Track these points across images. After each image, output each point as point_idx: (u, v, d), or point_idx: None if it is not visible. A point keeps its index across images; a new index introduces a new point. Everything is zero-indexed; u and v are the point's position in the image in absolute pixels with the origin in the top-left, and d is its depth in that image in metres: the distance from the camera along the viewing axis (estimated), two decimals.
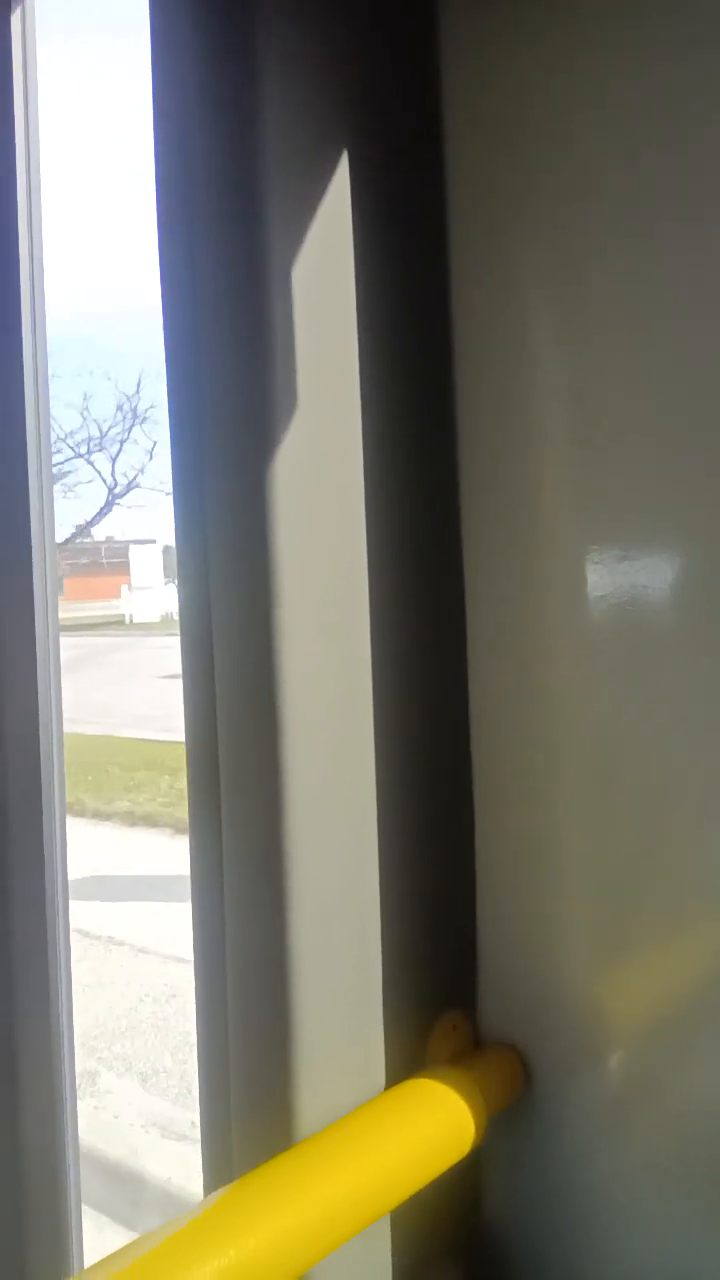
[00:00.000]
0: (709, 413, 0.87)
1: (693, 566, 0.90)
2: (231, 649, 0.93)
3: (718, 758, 0.89)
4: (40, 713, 1.34)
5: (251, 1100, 0.92)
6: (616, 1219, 0.96)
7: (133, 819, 7.61)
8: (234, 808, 0.93)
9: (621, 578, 0.93)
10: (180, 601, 0.98)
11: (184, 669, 0.97)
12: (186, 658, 0.97)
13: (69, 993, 1.40)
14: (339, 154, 0.93)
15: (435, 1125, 0.91)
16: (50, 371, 1.38)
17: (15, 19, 1.10)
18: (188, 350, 0.94)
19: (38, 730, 1.33)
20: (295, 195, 0.90)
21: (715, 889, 0.90)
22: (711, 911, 0.91)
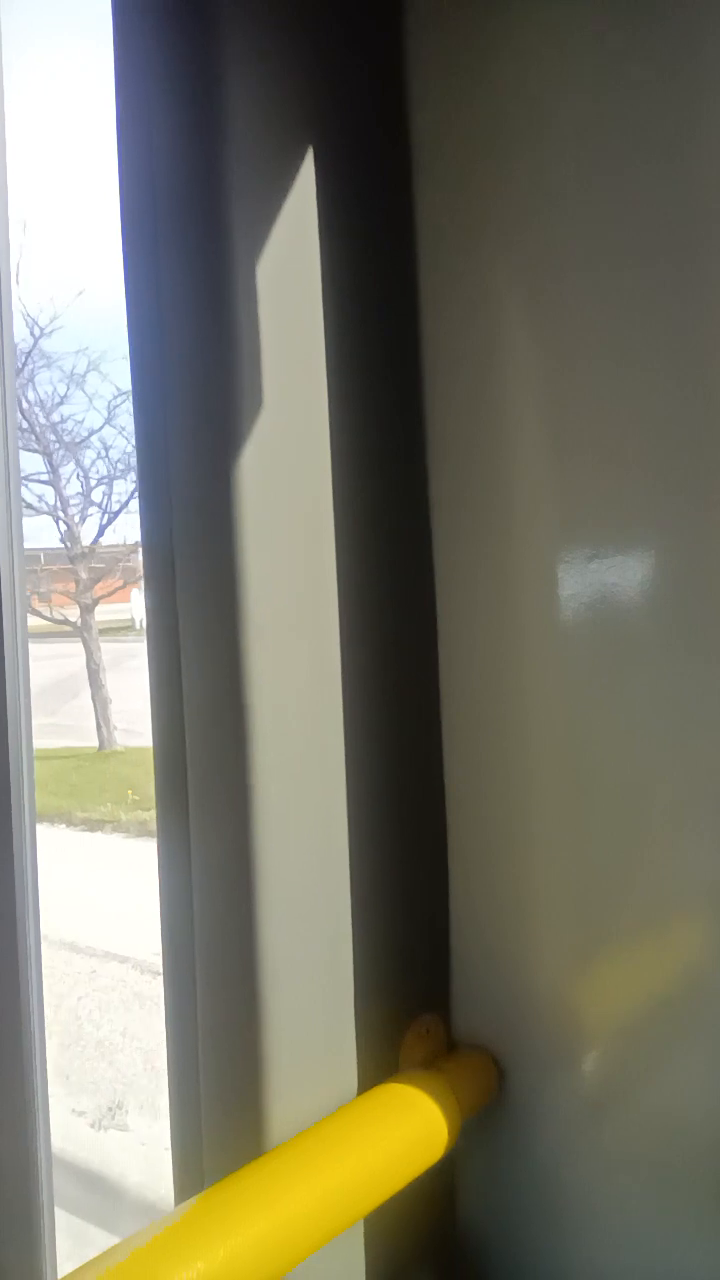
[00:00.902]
0: (679, 413, 0.88)
1: (663, 565, 0.90)
2: (198, 653, 0.92)
3: (690, 759, 0.89)
4: (9, 723, 1.33)
5: (223, 1106, 0.91)
6: (591, 1220, 0.96)
7: None
8: (202, 813, 0.92)
9: (592, 577, 0.93)
10: (146, 605, 0.97)
11: (150, 673, 0.96)
12: (153, 662, 0.96)
13: (40, 998, 1.39)
14: (304, 152, 0.92)
15: (409, 1129, 0.91)
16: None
17: None
18: (153, 350, 0.93)
19: (5, 739, 1.32)
20: (260, 193, 0.89)
21: (688, 891, 0.90)
22: (684, 913, 0.91)
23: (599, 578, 0.93)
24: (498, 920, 1.01)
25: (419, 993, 1.02)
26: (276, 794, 0.90)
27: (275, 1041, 0.89)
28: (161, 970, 0.96)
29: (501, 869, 1.01)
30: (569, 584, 0.95)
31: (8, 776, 1.32)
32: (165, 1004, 0.96)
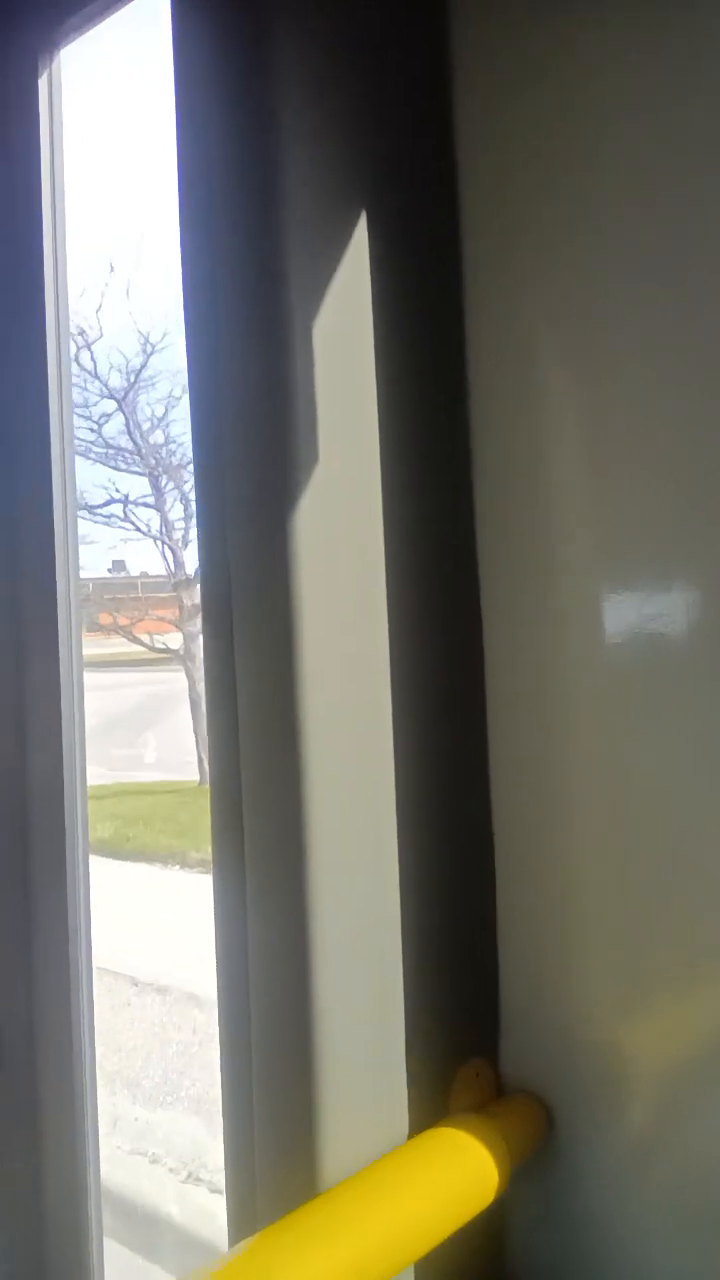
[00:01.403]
0: None
1: (710, 609, 0.90)
2: (254, 690, 0.93)
3: None
4: (64, 752, 1.35)
5: (276, 1149, 0.92)
6: (640, 1268, 0.95)
7: None
8: (257, 852, 0.94)
9: (639, 616, 0.93)
10: (205, 642, 0.99)
11: (208, 709, 0.98)
12: (210, 699, 0.98)
13: (91, 1028, 1.41)
14: (358, 206, 0.94)
15: (459, 1174, 0.91)
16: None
17: (42, 82, 1.13)
18: (211, 399, 0.96)
19: (62, 771, 1.34)
20: (316, 247, 0.91)
21: None
22: None
23: (644, 612, 0.93)
24: (547, 965, 1.01)
25: (468, 1037, 1.02)
26: (329, 835, 0.91)
27: (327, 1085, 0.89)
28: (217, 1013, 0.98)
29: (550, 913, 1.01)
30: (615, 620, 0.95)
31: (63, 809, 1.34)
32: (220, 1047, 0.97)
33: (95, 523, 8.10)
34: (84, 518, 7.95)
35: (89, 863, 1.44)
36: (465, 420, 1.03)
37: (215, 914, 0.97)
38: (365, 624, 0.95)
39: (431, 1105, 0.97)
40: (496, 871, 1.04)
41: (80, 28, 1.12)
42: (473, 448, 1.03)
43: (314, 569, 0.90)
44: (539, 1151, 0.99)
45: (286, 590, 0.90)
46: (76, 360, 7.74)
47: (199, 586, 1.01)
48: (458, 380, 1.03)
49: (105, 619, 9.16)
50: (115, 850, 6.80)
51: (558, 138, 0.96)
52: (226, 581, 0.95)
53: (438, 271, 1.02)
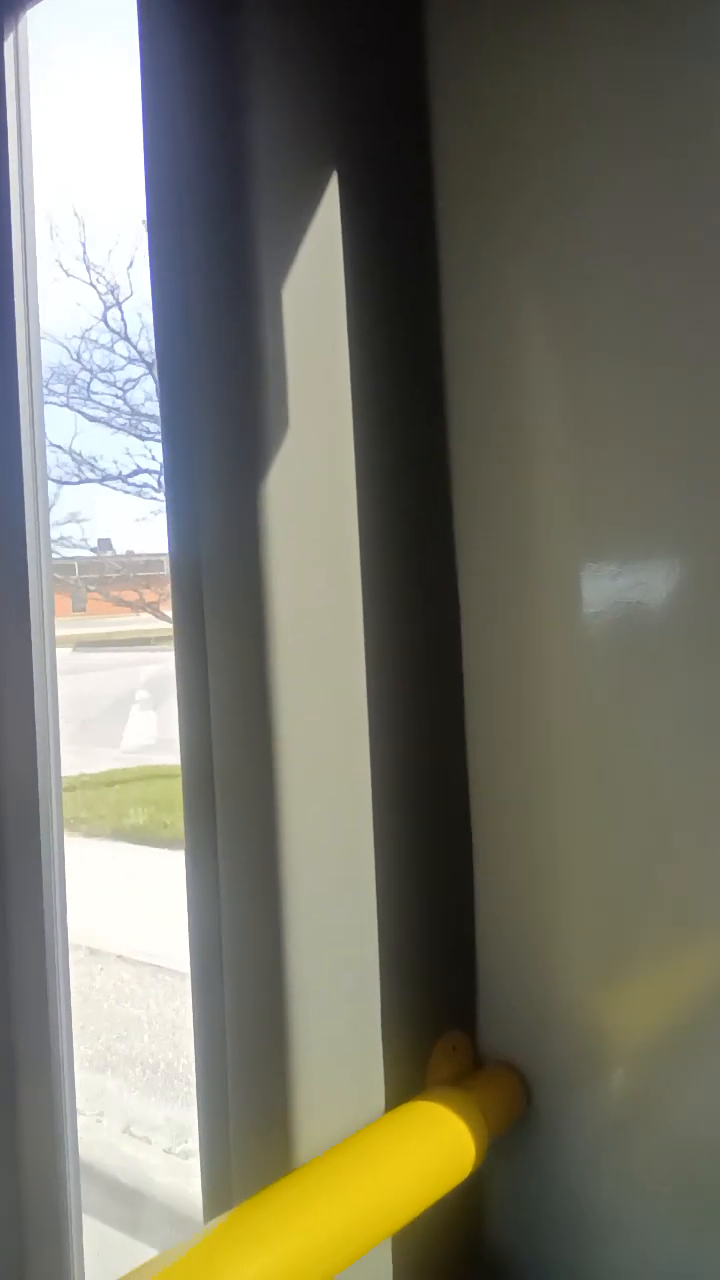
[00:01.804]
0: (703, 425, 0.87)
1: (689, 580, 0.90)
2: (225, 668, 0.93)
3: (717, 774, 0.89)
4: (37, 732, 1.34)
5: (251, 1124, 0.92)
6: (619, 1239, 0.96)
7: None
8: (229, 829, 0.93)
9: (617, 590, 0.93)
10: (174, 621, 0.98)
11: (179, 688, 0.97)
12: (181, 679, 0.97)
13: (68, 1006, 1.40)
14: (329, 170, 0.93)
15: (436, 1147, 0.91)
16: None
17: (8, 45, 1.11)
18: (180, 368, 0.94)
19: (35, 749, 1.33)
20: (286, 212, 0.90)
21: (715, 906, 0.90)
22: (711, 928, 0.91)
23: (624, 590, 0.93)
24: (524, 937, 1.01)
25: (445, 1011, 1.02)
26: (302, 811, 0.90)
27: (303, 1059, 0.89)
28: (191, 990, 0.97)
29: (528, 886, 1.01)
30: (594, 597, 0.95)
31: (36, 790, 1.33)
32: (194, 1023, 0.97)
33: (128, 493, 7.97)
34: (116, 488, 7.77)
35: (64, 841, 1.43)
36: (441, 388, 1.02)
37: (188, 890, 0.97)
38: (338, 598, 0.94)
39: (408, 1078, 0.97)
40: (473, 844, 1.04)
41: None
42: (449, 417, 1.02)
43: (285, 542, 0.89)
44: (517, 1124, 0.99)
45: (257, 563, 0.89)
46: (105, 320, 7.56)
47: (170, 563, 0.99)
48: (433, 348, 1.02)
49: (131, 595, 9.10)
50: (153, 837, 6.72)
51: (535, 102, 0.95)
52: (196, 555, 0.94)
53: (412, 236, 1.01)
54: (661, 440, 0.90)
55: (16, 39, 1.11)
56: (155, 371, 0.98)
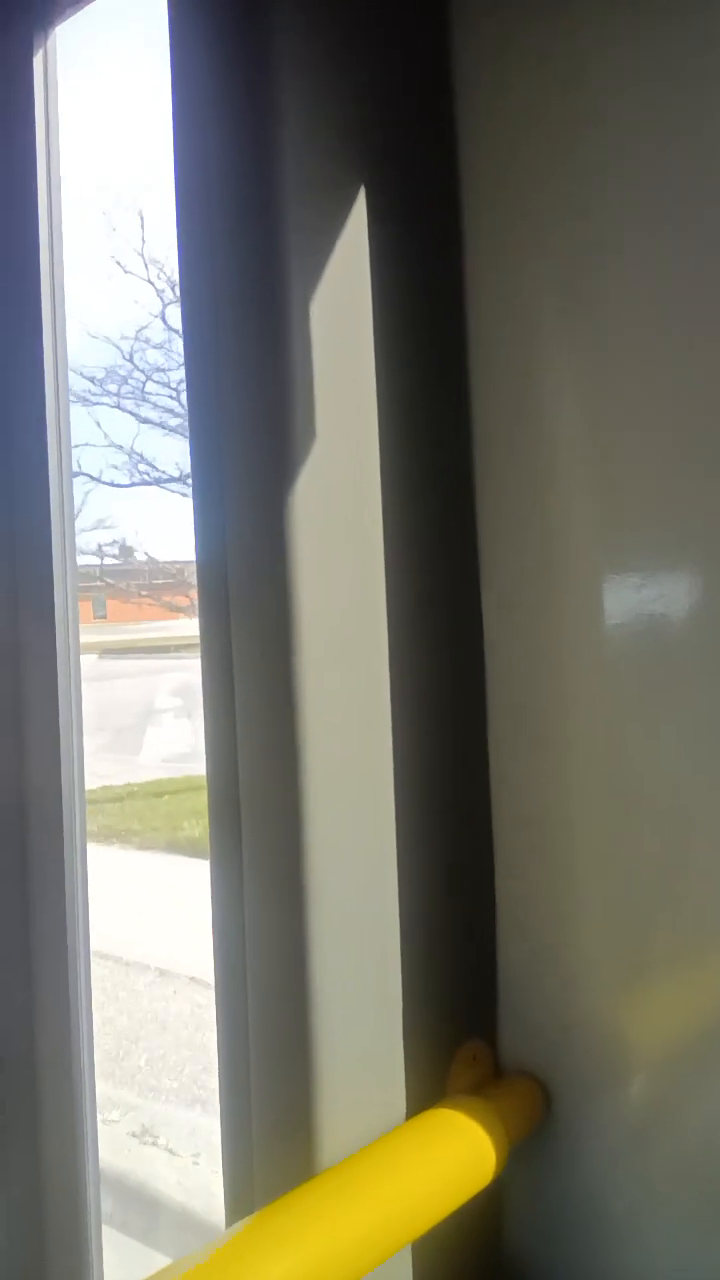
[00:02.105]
0: None
1: (712, 592, 0.90)
2: (251, 678, 0.93)
3: None
4: (61, 740, 1.35)
5: (273, 1129, 0.92)
6: (638, 1247, 0.95)
7: None
8: (254, 836, 0.93)
9: (639, 601, 0.93)
10: (201, 626, 0.99)
11: (204, 694, 0.98)
12: (207, 685, 0.97)
13: (89, 1013, 1.41)
14: (356, 179, 0.94)
15: (456, 1155, 0.91)
16: None
17: (38, 61, 1.13)
18: (209, 378, 0.95)
19: (59, 758, 1.34)
20: (313, 221, 0.91)
21: None
22: None
23: (646, 602, 0.93)
24: (545, 946, 1.01)
25: (466, 1019, 1.02)
26: (326, 819, 0.90)
27: (325, 1066, 0.89)
28: (215, 997, 0.97)
29: (548, 895, 1.01)
30: (616, 609, 0.95)
31: (60, 797, 1.34)
32: (217, 1029, 0.97)
33: (184, 496, 7.96)
34: (177, 492, 7.73)
35: (86, 851, 1.44)
36: (465, 398, 1.03)
37: (212, 896, 0.97)
38: (363, 606, 0.95)
39: (429, 1086, 0.97)
40: (495, 852, 1.04)
41: (75, 3, 1.12)
42: (473, 426, 1.03)
43: (311, 550, 0.90)
44: (537, 1132, 0.99)
45: (283, 570, 0.89)
46: (163, 318, 7.50)
47: (196, 571, 1.00)
48: (458, 357, 1.03)
49: (184, 600, 9.10)
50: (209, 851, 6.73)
51: (558, 113, 0.96)
52: (223, 563, 0.95)
53: (438, 246, 1.02)
54: (685, 451, 0.90)
55: (46, 55, 1.13)
56: (186, 382, 0.99)
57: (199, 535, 0.98)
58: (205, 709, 0.98)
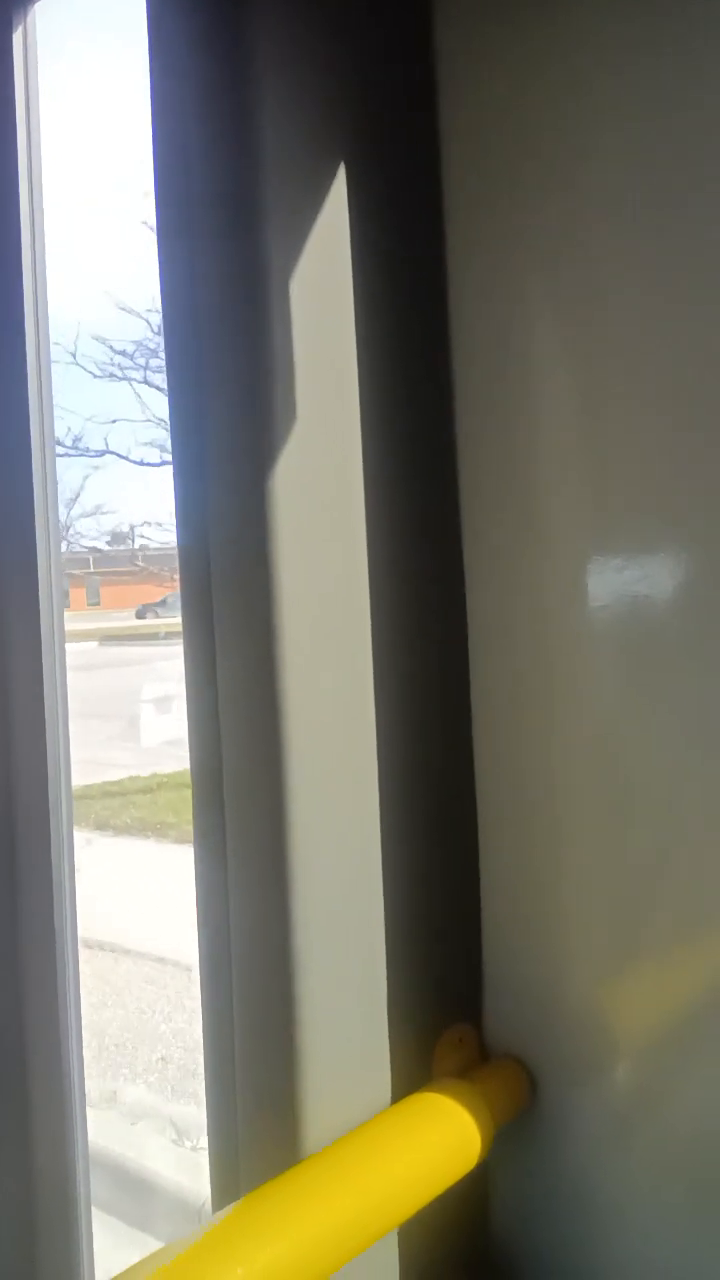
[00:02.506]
0: (709, 422, 0.87)
1: (695, 574, 0.90)
2: (234, 664, 0.93)
3: None
4: (47, 729, 1.34)
5: (258, 1114, 0.92)
6: (624, 1230, 0.96)
7: None
8: (238, 822, 0.93)
9: (625, 587, 0.93)
10: (183, 614, 0.98)
11: (187, 683, 0.97)
12: (190, 672, 0.97)
13: (77, 1002, 1.41)
14: (336, 163, 0.93)
15: (442, 1139, 0.91)
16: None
17: (16, 37, 1.11)
18: (189, 362, 0.94)
19: (45, 743, 1.33)
20: (293, 204, 0.90)
21: None
22: (717, 922, 0.90)
23: (632, 588, 0.93)
24: (530, 930, 1.01)
25: (452, 1003, 1.02)
26: (311, 805, 0.90)
27: (310, 1051, 0.89)
28: (199, 983, 0.97)
29: (534, 879, 1.01)
30: (602, 595, 0.95)
31: (46, 787, 1.33)
32: (202, 1014, 0.97)
33: None
34: None
35: (73, 838, 1.43)
36: (448, 381, 1.02)
37: (196, 881, 0.97)
38: (346, 591, 0.94)
39: (415, 1071, 0.97)
40: (480, 837, 1.04)
41: None
42: (456, 408, 1.02)
43: (293, 535, 0.90)
44: (522, 1116, 0.99)
45: (265, 555, 0.89)
46: None
47: (178, 556, 0.99)
48: (440, 339, 1.02)
49: None
50: None
51: (542, 94, 0.95)
52: (205, 548, 0.94)
53: (419, 228, 1.01)
54: (670, 432, 0.90)
55: (25, 32, 1.12)
56: (165, 364, 0.98)
57: (180, 519, 0.97)
58: (188, 695, 0.97)
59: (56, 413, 1.34)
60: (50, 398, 1.33)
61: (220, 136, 0.90)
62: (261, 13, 0.88)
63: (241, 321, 0.90)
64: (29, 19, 1.12)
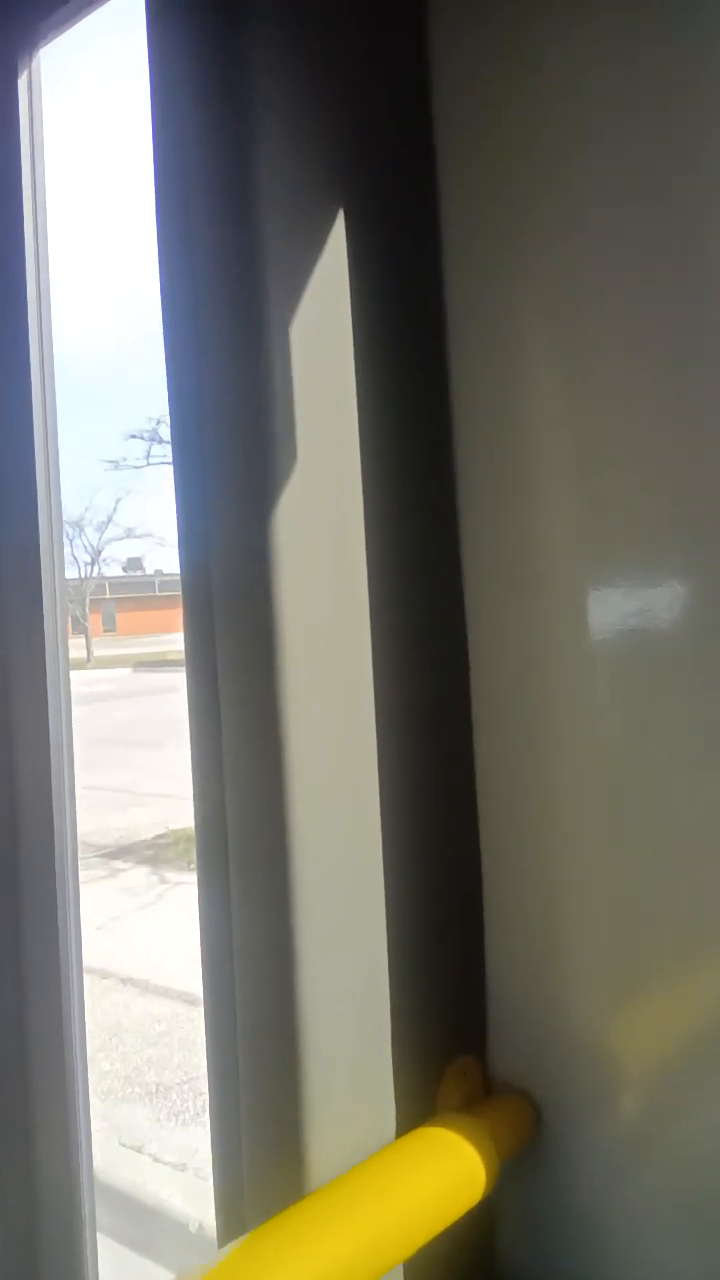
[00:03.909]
0: (708, 444, 0.88)
1: (695, 601, 0.90)
2: (236, 693, 0.93)
3: None
4: (52, 752, 1.35)
5: (263, 1150, 0.92)
6: (631, 1264, 0.95)
7: None
8: (241, 853, 0.94)
9: (623, 611, 0.93)
10: (186, 644, 0.99)
11: (189, 713, 0.98)
12: (192, 702, 0.97)
13: (83, 1026, 1.41)
14: (336, 201, 0.94)
15: (447, 1172, 0.91)
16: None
17: (21, 82, 1.13)
18: (191, 398, 0.95)
19: (49, 770, 1.34)
20: (293, 242, 0.91)
21: None
22: None
23: (629, 613, 0.93)
24: (534, 962, 1.01)
25: (455, 1036, 1.02)
26: (313, 836, 0.91)
27: (314, 1085, 0.90)
28: (204, 1016, 0.98)
29: (536, 910, 1.01)
30: (600, 615, 0.95)
31: (50, 810, 1.34)
32: (206, 1049, 0.97)
33: None
34: None
35: (78, 863, 1.44)
36: (447, 414, 1.03)
37: (200, 915, 0.97)
38: (347, 621, 0.95)
39: (419, 1104, 0.98)
40: (483, 868, 1.04)
41: (59, 27, 1.12)
42: (455, 442, 1.03)
43: (295, 570, 0.90)
44: (528, 1149, 0.99)
45: (267, 587, 0.89)
46: None
47: (181, 590, 1.00)
48: (439, 374, 1.03)
49: None
50: None
51: (541, 129, 0.96)
52: (208, 580, 0.95)
53: (418, 265, 1.02)
54: (670, 462, 0.90)
55: (30, 77, 1.13)
56: (168, 401, 0.99)
57: (183, 551, 0.98)
58: (190, 726, 0.98)
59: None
60: (55, 426, 1.35)
61: (220, 175, 0.91)
62: (259, 55, 0.89)
63: (242, 362, 0.91)
64: (34, 65, 1.14)
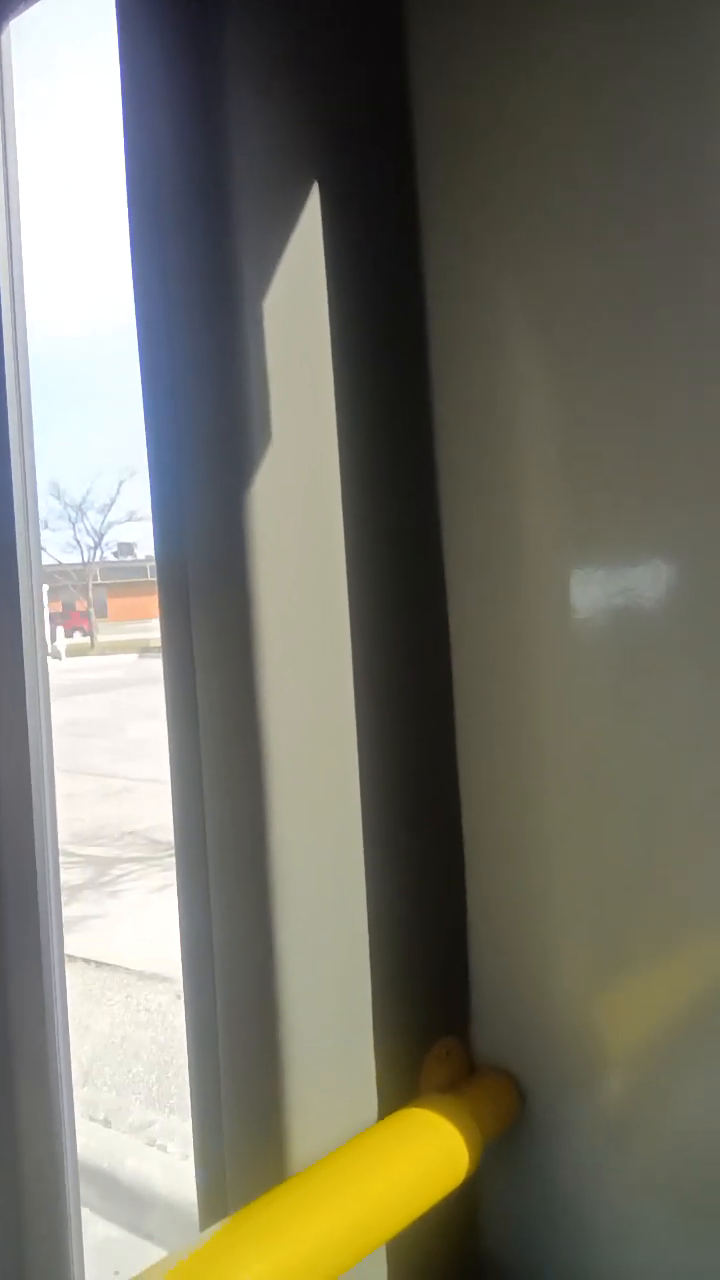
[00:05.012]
0: (693, 427, 0.88)
1: (678, 579, 0.90)
2: (213, 678, 0.93)
3: (708, 776, 0.89)
4: (31, 750, 1.34)
5: (245, 1133, 0.92)
6: (615, 1243, 0.96)
7: None
8: (220, 837, 0.93)
9: (606, 594, 0.93)
10: (162, 628, 0.98)
11: (166, 699, 0.97)
12: (169, 688, 0.97)
13: (64, 1013, 1.41)
14: (310, 180, 0.93)
15: (430, 1153, 0.91)
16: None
17: None
18: (164, 379, 0.94)
19: (29, 767, 1.33)
20: (267, 223, 0.90)
21: (708, 908, 0.90)
22: (705, 931, 0.91)
23: (613, 594, 0.93)
24: (517, 942, 1.01)
25: (438, 1016, 1.02)
26: (293, 818, 0.90)
27: (296, 1067, 0.89)
28: (183, 998, 0.97)
29: (519, 890, 1.01)
30: (583, 602, 0.95)
31: (30, 803, 1.33)
32: (187, 1032, 0.97)
33: None
34: None
35: (59, 856, 1.43)
36: (426, 395, 1.03)
37: (179, 898, 0.97)
38: (326, 606, 0.94)
39: (402, 1085, 0.98)
40: (465, 848, 1.04)
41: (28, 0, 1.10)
42: (435, 423, 1.02)
43: (271, 552, 0.89)
44: (511, 1128, 0.99)
45: (243, 569, 0.89)
46: None
47: (156, 575, 0.99)
48: (418, 355, 1.02)
49: None
50: None
51: (519, 110, 0.95)
52: (183, 564, 0.94)
53: (395, 245, 1.01)
54: (651, 441, 0.90)
55: None
56: (140, 385, 0.98)
57: (158, 535, 0.97)
58: (167, 711, 0.97)
59: None
60: (30, 417, 1.33)
61: (193, 154, 0.89)
62: (234, 35, 0.88)
63: (216, 343, 0.90)
64: (2, 37, 1.12)
